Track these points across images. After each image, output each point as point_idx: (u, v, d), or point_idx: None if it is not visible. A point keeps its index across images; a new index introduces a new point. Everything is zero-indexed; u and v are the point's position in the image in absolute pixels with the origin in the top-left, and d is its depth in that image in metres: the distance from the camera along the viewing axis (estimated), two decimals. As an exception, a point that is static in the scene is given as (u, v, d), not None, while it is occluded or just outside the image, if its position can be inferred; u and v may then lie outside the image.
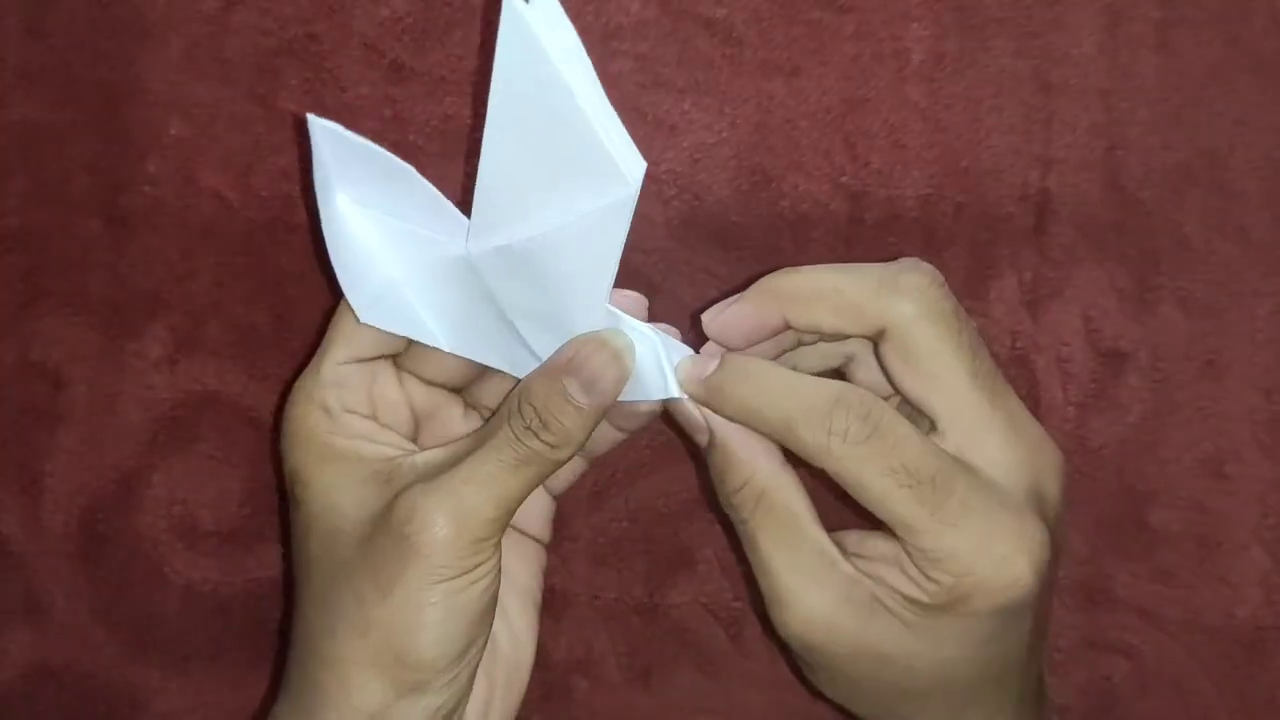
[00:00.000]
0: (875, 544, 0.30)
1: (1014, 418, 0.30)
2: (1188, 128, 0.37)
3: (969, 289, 0.38)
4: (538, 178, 0.28)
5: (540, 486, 0.31)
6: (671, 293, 0.38)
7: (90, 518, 0.39)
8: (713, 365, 0.30)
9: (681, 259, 0.38)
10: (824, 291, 0.30)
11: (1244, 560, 0.37)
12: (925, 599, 0.28)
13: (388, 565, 0.29)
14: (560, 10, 0.26)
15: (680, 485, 0.38)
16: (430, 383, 0.33)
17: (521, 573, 0.34)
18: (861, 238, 0.38)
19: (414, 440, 0.33)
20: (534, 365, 0.31)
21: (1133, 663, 0.38)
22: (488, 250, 0.29)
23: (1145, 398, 0.38)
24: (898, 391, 0.30)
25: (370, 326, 0.31)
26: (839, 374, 0.33)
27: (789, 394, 0.29)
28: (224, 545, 0.39)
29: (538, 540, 0.35)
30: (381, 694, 0.29)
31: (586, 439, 0.30)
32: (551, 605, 0.38)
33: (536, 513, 0.35)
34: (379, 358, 0.32)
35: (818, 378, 0.29)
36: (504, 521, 0.29)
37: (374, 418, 0.32)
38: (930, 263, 0.30)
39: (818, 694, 0.32)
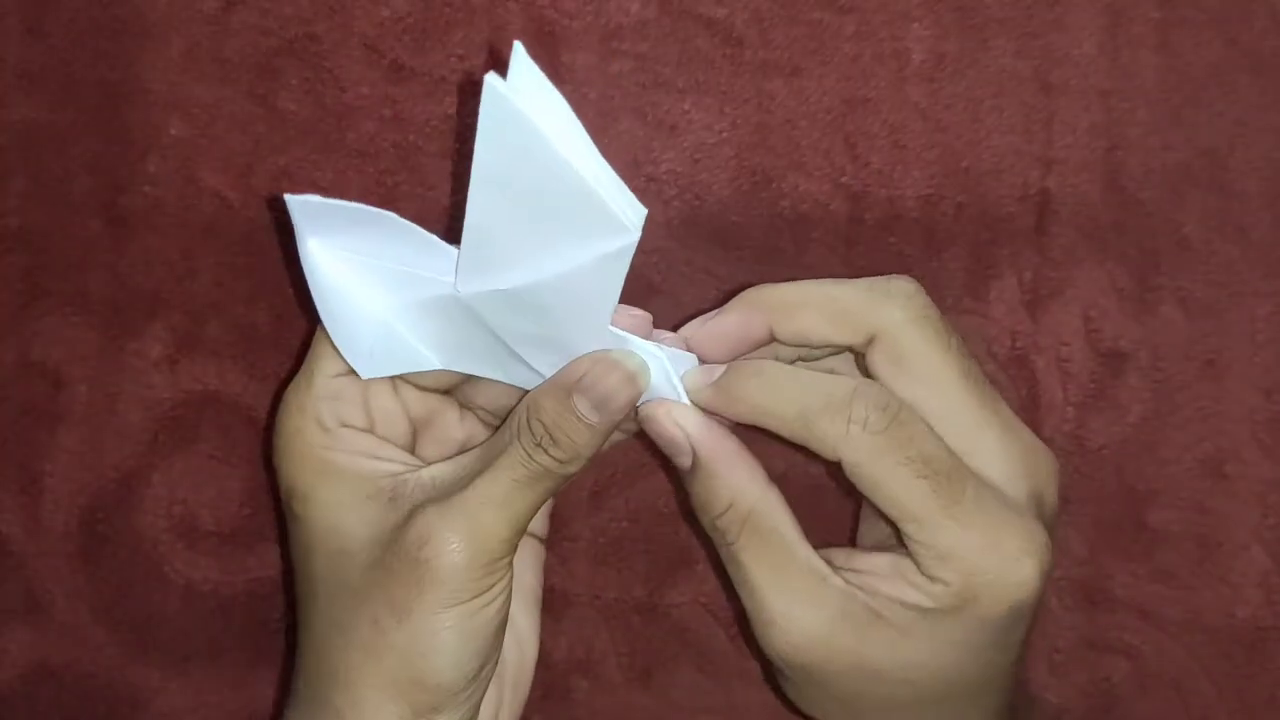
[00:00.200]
0: (866, 559, 0.29)
1: (1007, 421, 0.30)
2: (1188, 128, 0.37)
3: (969, 289, 0.38)
4: (531, 240, 0.27)
5: None
6: (671, 293, 0.38)
7: (90, 518, 0.39)
8: (719, 370, 0.30)
9: (681, 259, 0.38)
10: (813, 299, 0.30)
11: (1244, 560, 0.37)
12: (929, 603, 0.28)
13: (403, 589, 0.28)
14: (541, 75, 0.26)
15: (680, 485, 0.38)
16: (425, 388, 0.33)
17: (524, 571, 0.34)
18: (862, 238, 0.38)
19: (412, 449, 0.32)
20: (536, 379, 0.31)
21: (1133, 663, 0.38)
22: (482, 293, 0.29)
23: (1145, 398, 0.38)
24: None
25: None
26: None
27: (803, 389, 0.29)
28: (224, 545, 0.39)
29: (537, 537, 0.35)
30: (398, 717, 0.29)
31: (595, 453, 0.30)
32: (552, 605, 0.38)
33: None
34: None
35: (828, 374, 0.30)
36: (516, 540, 0.29)
37: (371, 431, 0.31)
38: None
39: (796, 711, 0.32)
